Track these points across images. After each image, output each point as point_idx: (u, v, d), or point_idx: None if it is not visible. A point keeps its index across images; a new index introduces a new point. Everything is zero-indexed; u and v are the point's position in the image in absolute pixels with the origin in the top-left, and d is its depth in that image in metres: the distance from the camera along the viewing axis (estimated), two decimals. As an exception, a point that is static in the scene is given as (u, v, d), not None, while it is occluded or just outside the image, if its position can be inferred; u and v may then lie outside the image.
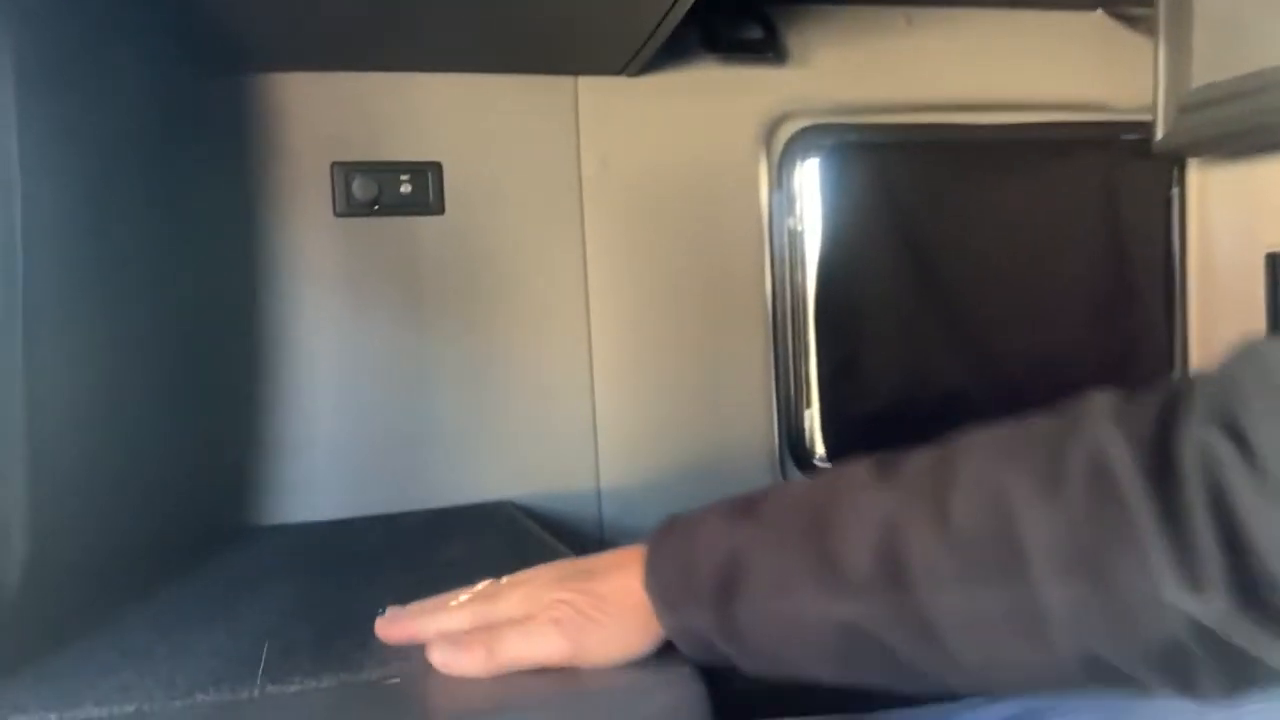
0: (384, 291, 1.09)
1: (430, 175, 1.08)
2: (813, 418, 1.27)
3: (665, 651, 0.55)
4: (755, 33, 1.17)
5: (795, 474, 1.24)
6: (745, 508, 0.53)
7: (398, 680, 0.53)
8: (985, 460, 0.46)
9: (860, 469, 0.51)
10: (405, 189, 1.07)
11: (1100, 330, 1.37)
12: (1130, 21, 1.29)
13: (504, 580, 0.59)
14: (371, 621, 0.60)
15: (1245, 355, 0.43)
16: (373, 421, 1.09)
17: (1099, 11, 1.30)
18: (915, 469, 0.49)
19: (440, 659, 0.53)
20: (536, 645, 0.53)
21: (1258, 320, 1.29)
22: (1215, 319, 1.38)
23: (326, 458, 1.08)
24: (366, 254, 1.08)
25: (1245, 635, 0.38)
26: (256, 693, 0.52)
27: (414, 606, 0.59)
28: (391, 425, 1.09)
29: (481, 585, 0.59)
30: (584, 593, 0.54)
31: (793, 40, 1.20)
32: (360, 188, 1.05)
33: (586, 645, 0.53)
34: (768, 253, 1.22)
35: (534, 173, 1.13)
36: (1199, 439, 0.40)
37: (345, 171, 1.05)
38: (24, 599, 0.63)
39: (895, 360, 1.29)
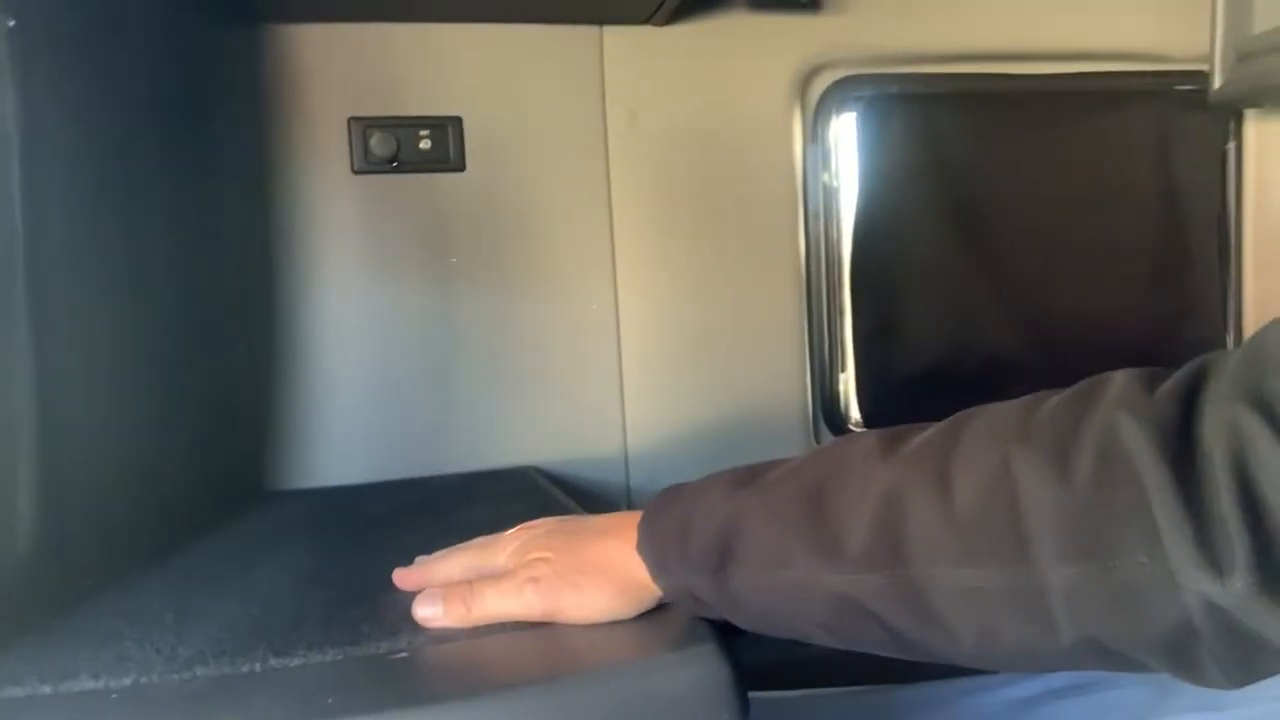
0: (405, 251, 1.06)
1: (450, 130, 1.04)
2: (848, 381, 1.23)
3: (687, 627, 0.53)
4: (790, -22, 1.12)
5: (829, 439, 1.20)
6: (747, 477, 0.54)
7: (405, 654, 0.51)
8: (992, 437, 0.46)
9: (867, 440, 0.50)
10: (424, 144, 1.03)
11: (1152, 291, 1.32)
12: (1188, -37, 1.22)
13: (507, 533, 0.61)
14: (385, 589, 0.61)
15: (1275, 328, 0.41)
16: (394, 384, 1.07)
17: (1155, -47, 1.24)
18: (920, 443, 0.48)
19: (421, 614, 0.55)
20: (511, 603, 0.54)
21: (1319, 279, 1.24)
22: (1272, 278, 1.33)
23: (348, 421, 1.06)
24: (386, 212, 1.05)
25: (1261, 619, 0.37)
26: (259, 666, 0.50)
27: (430, 558, 0.63)
28: (414, 387, 1.07)
29: (483, 538, 0.62)
30: (567, 553, 0.56)
31: (829, -15, 1.15)
32: (378, 144, 1.02)
33: (562, 605, 0.54)
34: (802, 210, 1.18)
35: (558, 127, 1.09)
36: (1226, 415, 0.39)
37: (363, 127, 1.02)
38: (32, 567, 0.61)
39: (935, 322, 1.25)
